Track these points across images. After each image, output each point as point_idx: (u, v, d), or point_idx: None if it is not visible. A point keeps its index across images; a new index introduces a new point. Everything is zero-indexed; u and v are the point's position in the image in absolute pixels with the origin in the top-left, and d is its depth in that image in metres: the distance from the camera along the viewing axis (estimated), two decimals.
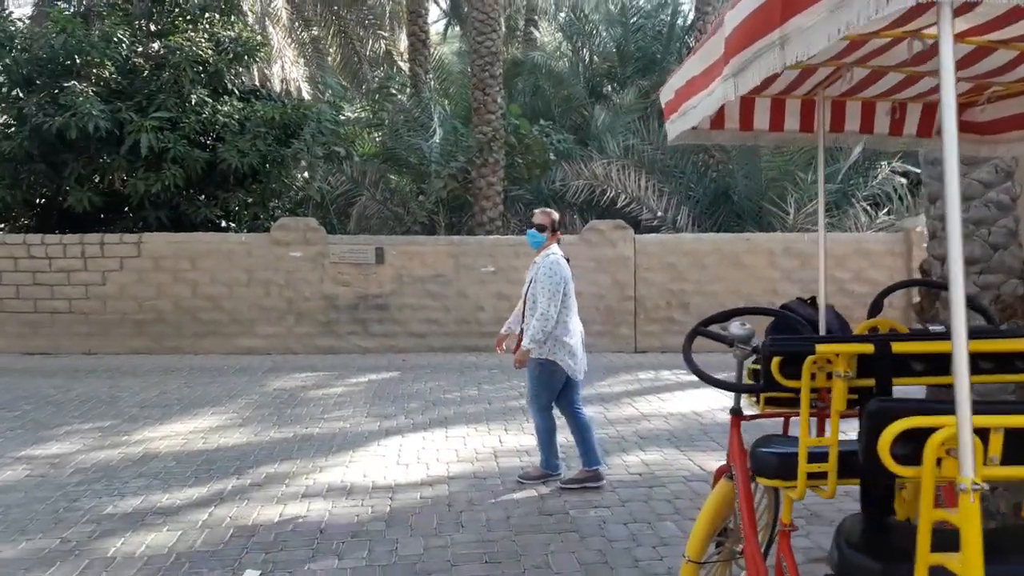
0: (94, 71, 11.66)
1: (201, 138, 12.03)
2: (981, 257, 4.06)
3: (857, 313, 8.90)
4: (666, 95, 3.04)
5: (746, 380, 3.01)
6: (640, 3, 18.87)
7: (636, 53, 17.36)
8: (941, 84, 1.67)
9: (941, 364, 2.49)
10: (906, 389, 2.48)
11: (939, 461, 1.73)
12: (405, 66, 19.95)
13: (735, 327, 2.82)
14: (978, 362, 2.53)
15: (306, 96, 15.37)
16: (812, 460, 2.42)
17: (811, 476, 2.44)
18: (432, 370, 9.77)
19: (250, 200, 12.75)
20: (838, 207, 12.39)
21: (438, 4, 25.46)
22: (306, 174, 13.24)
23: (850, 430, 2.39)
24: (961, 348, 1.64)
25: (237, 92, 12.65)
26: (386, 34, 22.50)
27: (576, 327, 5.24)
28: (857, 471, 2.36)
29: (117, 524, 4.63)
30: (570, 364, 5.12)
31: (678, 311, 11.17)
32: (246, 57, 12.63)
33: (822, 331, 3.09)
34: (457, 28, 24.85)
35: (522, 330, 5.23)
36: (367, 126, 15.81)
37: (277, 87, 14.32)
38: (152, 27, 12.81)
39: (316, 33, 20.92)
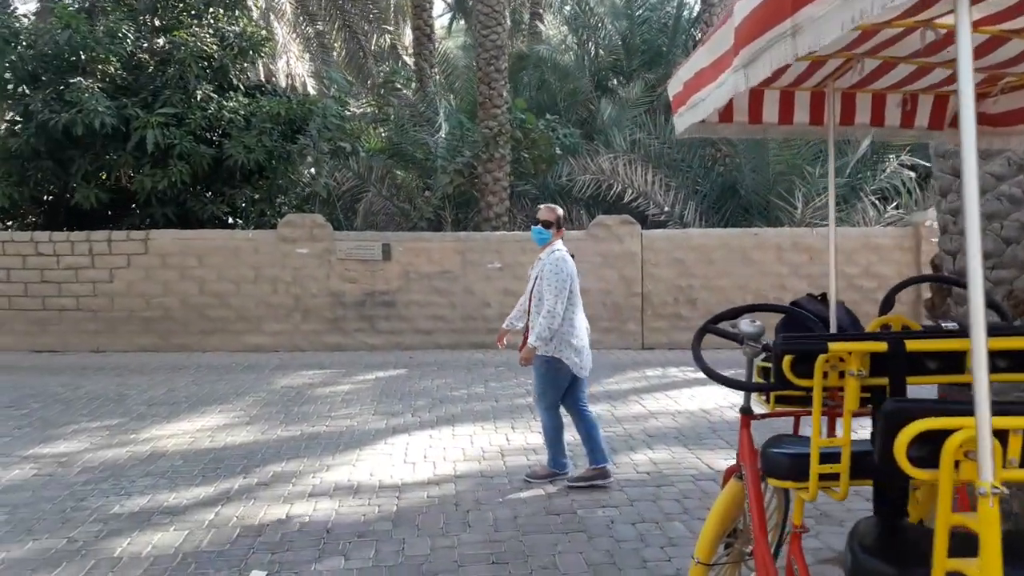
0: (99, 67, 11.66)
1: (207, 134, 12.04)
2: (993, 252, 3.98)
3: (865, 308, 8.84)
4: (674, 87, 2.99)
5: (756, 378, 2.96)
6: None
7: (642, 46, 17.23)
8: (959, 74, 1.62)
9: (955, 362, 2.43)
10: (917, 387, 2.44)
11: (956, 464, 1.68)
12: (410, 61, 19.94)
13: (745, 324, 2.77)
14: (995, 360, 2.48)
15: (311, 91, 15.33)
16: (824, 461, 2.38)
17: (823, 477, 2.40)
18: (439, 367, 9.74)
19: (256, 196, 12.75)
20: (846, 201, 12.30)
21: None
22: (312, 170, 13.21)
23: (861, 429, 2.34)
24: (980, 347, 1.59)
25: (242, 88, 12.65)
26: (391, 28, 22.49)
27: (582, 324, 5.19)
28: (870, 472, 2.32)
29: (124, 524, 4.62)
30: (575, 361, 5.08)
31: (685, 307, 11.11)
32: (251, 52, 12.62)
33: (833, 328, 3.04)
34: (462, 22, 24.80)
35: (527, 327, 5.19)
36: (373, 121, 15.78)
37: (282, 82, 14.29)
38: (156, 22, 12.81)
39: (321, 28, 20.92)
